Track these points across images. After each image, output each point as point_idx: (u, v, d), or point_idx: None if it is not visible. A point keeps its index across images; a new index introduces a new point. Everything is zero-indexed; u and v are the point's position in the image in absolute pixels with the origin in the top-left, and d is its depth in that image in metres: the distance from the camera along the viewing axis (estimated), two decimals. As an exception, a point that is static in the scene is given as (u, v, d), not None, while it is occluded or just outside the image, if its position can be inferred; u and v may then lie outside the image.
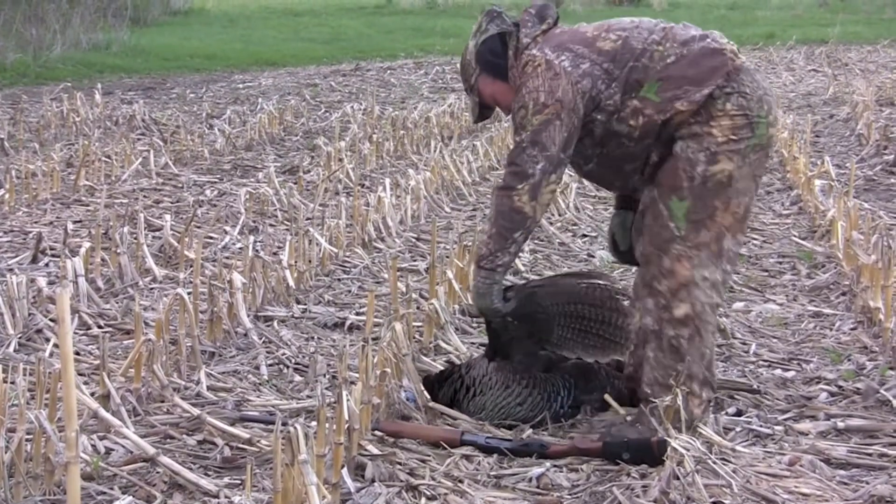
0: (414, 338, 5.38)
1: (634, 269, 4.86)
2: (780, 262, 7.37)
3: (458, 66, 4.84)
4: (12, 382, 4.15)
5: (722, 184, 4.39)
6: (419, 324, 5.62)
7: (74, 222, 8.05)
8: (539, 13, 4.63)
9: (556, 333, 4.65)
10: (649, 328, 4.48)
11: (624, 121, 4.43)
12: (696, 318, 4.42)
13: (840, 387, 5.06)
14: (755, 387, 5.01)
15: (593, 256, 7.42)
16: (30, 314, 5.74)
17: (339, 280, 6.89)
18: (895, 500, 3.84)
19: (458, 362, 5.05)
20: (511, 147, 4.53)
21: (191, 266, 6.48)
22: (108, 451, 4.26)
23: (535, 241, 7.66)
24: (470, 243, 6.57)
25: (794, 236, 7.98)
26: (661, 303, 4.44)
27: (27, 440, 3.89)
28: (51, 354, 5.23)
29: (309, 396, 4.93)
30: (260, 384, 5.13)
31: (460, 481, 4.06)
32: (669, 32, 4.49)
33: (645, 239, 4.51)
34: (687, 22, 4.66)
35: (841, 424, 4.59)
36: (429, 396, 4.70)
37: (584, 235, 8.07)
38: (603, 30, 4.54)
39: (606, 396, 4.61)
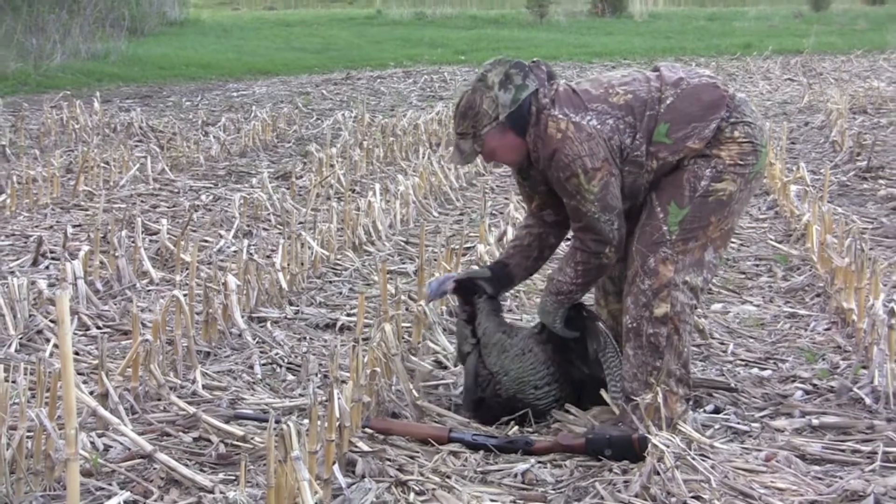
0: (403, 338, 5.38)
1: None
2: (757, 265, 7.39)
3: (462, 110, 4.51)
4: (13, 381, 4.15)
5: (722, 202, 4.43)
6: (408, 324, 5.62)
7: (74, 226, 8.04)
8: (548, 72, 4.55)
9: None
10: (628, 325, 4.50)
11: (645, 168, 4.45)
12: (674, 318, 4.43)
13: (815, 385, 5.07)
14: (733, 385, 5.02)
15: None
16: (30, 315, 5.73)
17: (330, 282, 6.89)
18: (867, 494, 3.85)
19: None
20: (576, 211, 4.45)
21: (187, 269, 6.48)
22: (107, 447, 4.25)
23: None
24: (457, 246, 6.57)
25: (771, 240, 8.00)
26: (642, 301, 4.45)
27: (28, 437, 3.88)
28: (51, 354, 5.23)
29: (301, 395, 4.93)
30: (254, 383, 5.13)
31: (448, 477, 4.06)
32: (661, 78, 4.51)
33: (635, 236, 4.52)
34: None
35: (815, 421, 4.61)
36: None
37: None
38: (605, 87, 4.50)
39: (603, 392, 4.62)
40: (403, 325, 5.49)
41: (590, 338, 4.68)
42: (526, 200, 4.82)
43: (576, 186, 4.39)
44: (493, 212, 8.65)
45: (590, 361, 4.70)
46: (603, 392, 4.62)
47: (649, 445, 3.96)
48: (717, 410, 4.75)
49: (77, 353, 5.34)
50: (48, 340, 5.51)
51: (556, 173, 4.42)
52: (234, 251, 7.25)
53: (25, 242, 7.67)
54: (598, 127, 4.39)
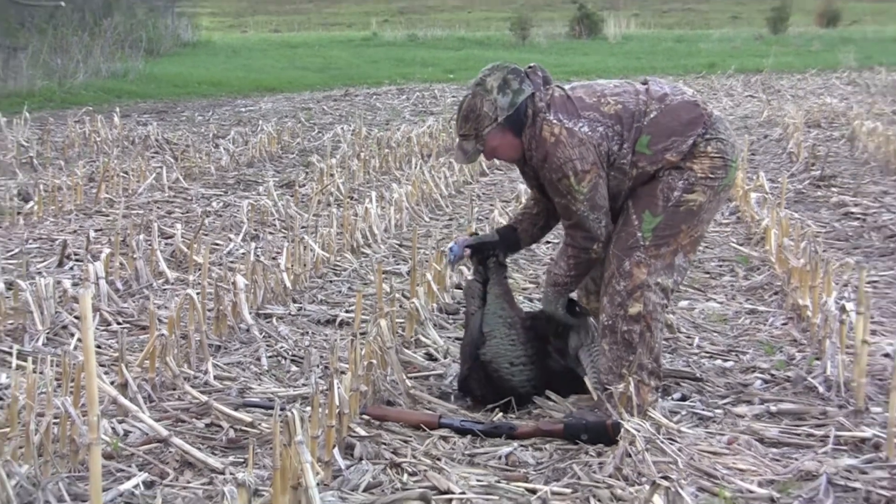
0: (397, 332, 5.39)
1: None
2: (721, 266, 7.40)
3: (464, 113, 4.50)
4: (41, 373, 4.15)
5: (692, 211, 4.43)
6: (402, 320, 5.62)
7: (96, 231, 8.03)
8: (544, 77, 4.54)
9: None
10: (605, 323, 4.50)
11: (628, 175, 4.45)
12: (647, 317, 4.44)
13: (773, 375, 5.09)
14: (698, 375, 5.03)
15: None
16: (56, 312, 5.73)
17: (330, 282, 6.89)
18: (820, 473, 3.86)
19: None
20: (566, 209, 4.46)
21: (199, 269, 6.48)
22: (126, 433, 4.25)
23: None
24: (446, 249, 6.56)
25: (733, 242, 8.02)
26: (617, 300, 4.46)
27: (54, 424, 3.88)
28: (75, 348, 5.23)
29: (304, 385, 4.93)
30: (261, 374, 5.13)
31: (438, 459, 4.07)
32: (649, 92, 4.50)
33: (612, 241, 4.52)
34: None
35: (773, 408, 4.62)
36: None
37: (548, 242, 8.08)
38: (598, 95, 4.48)
39: (586, 379, 4.63)
40: (397, 320, 5.50)
41: (578, 331, 4.70)
42: (529, 187, 4.85)
43: (567, 187, 4.39)
44: (480, 217, 8.65)
45: (568, 355, 4.71)
46: (586, 379, 4.63)
47: (622, 430, 3.98)
48: (683, 398, 4.76)
49: (99, 347, 5.34)
50: (72, 335, 5.51)
51: (549, 174, 4.43)
52: (243, 253, 7.24)
53: (51, 245, 7.66)
54: (589, 133, 4.39)
